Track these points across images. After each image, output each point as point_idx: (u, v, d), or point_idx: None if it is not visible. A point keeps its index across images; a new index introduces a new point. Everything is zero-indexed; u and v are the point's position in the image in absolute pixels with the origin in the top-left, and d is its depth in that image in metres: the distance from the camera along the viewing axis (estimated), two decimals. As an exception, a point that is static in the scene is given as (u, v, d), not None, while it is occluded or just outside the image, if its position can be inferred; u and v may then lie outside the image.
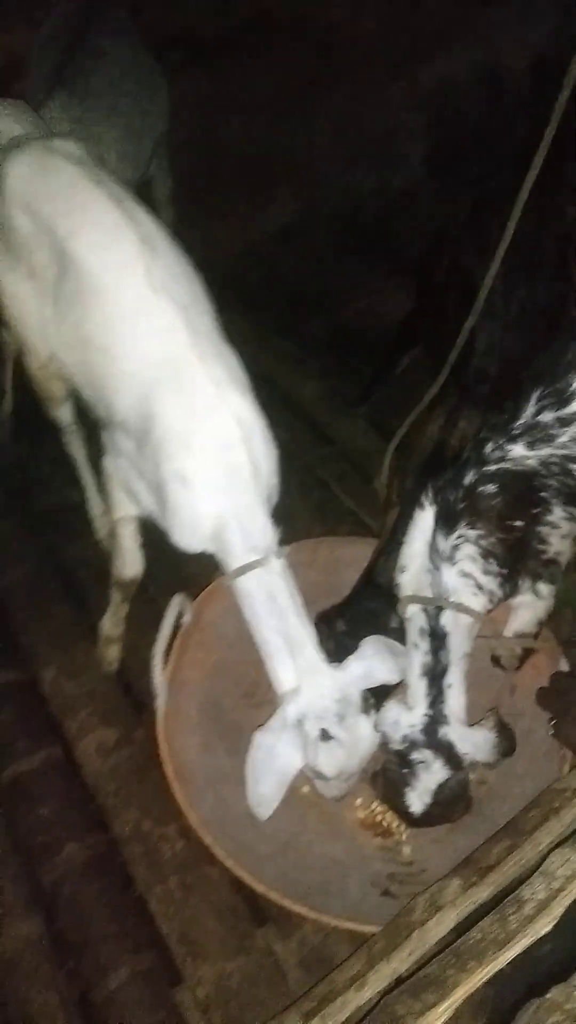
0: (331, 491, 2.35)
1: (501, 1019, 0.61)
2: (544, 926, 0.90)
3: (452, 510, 1.38)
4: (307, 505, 2.27)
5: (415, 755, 1.35)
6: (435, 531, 1.39)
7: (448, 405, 1.75)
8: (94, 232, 1.44)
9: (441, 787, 1.35)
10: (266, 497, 1.41)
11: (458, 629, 1.37)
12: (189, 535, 1.40)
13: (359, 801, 1.60)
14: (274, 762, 1.34)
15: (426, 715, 1.35)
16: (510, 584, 1.42)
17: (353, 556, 1.72)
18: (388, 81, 3.19)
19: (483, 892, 1.18)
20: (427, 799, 1.35)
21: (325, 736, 1.34)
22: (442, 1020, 0.83)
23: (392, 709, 1.37)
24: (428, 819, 1.38)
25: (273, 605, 1.35)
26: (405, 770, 1.35)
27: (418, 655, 1.37)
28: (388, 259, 2.95)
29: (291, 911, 1.38)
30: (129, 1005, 1.41)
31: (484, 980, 0.86)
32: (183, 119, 2.86)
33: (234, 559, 1.36)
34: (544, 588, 1.48)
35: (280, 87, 2.98)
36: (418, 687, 1.36)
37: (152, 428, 1.38)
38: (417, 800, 1.36)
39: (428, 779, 1.35)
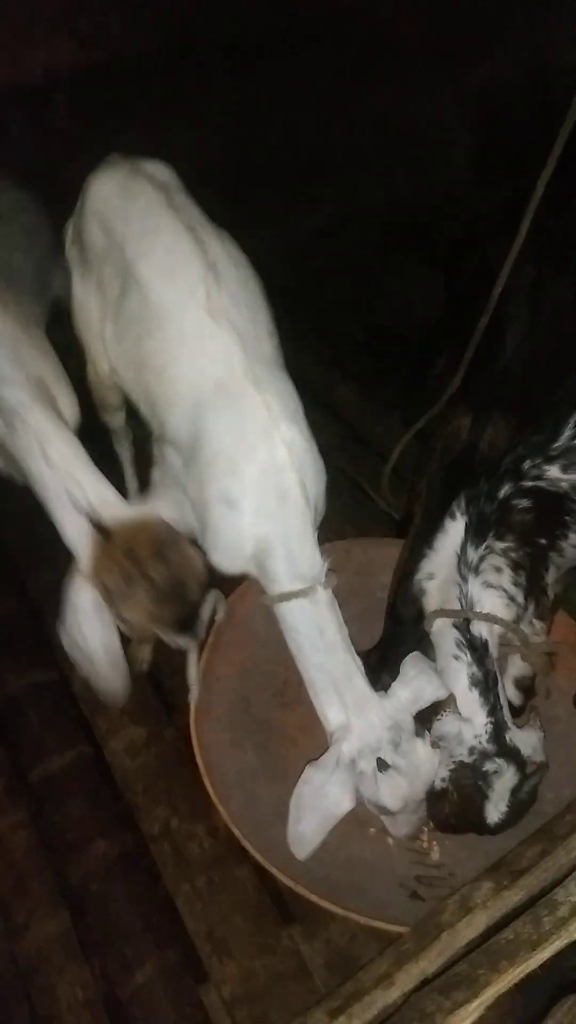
0: (365, 492, 2.35)
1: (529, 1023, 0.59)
2: (578, 928, 0.87)
3: (485, 521, 1.38)
4: (340, 507, 2.24)
5: (488, 765, 1.32)
6: (465, 542, 1.39)
7: (473, 404, 1.72)
8: (161, 256, 1.47)
9: (515, 792, 1.33)
10: (314, 525, 1.38)
11: (492, 638, 1.37)
12: (230, 557, 1.39)
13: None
14: (322, 801, 1.30)
15: (488, 723, 1.33)
16: (527, 600, 1.41)
17: (387, 558, 1.71)
18: (432, 80, 3.18)
19: (515, 896, 1.15)
20: (503, 808, 1.33)
21: (382, 766, 1.30)
22: (472, 1018, 0.81)
23: (450, 723, 1.34)
24: (503, 826, 1.35)
25: (321, 640, 1.32)
26: (480, 782, 1.32)
27: (462, 667, 1.35)
28: (426, 260, 2.94)
29: (319, 909, 1.37)
30: (154, 1002, 1.41)
31: (516, 981, 0.84)
32: (222, 123, 2.90)
33: (278, 585, 1.34)
34: (538, 624, 1.47)
35: (320, 87, 2.99)
36: (470, 698, 1.34)
37: (201, 448, 1.38)
38: (495, 810, 1.33)
39: (502, 787, 1.32)
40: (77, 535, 1.28)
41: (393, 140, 3.29)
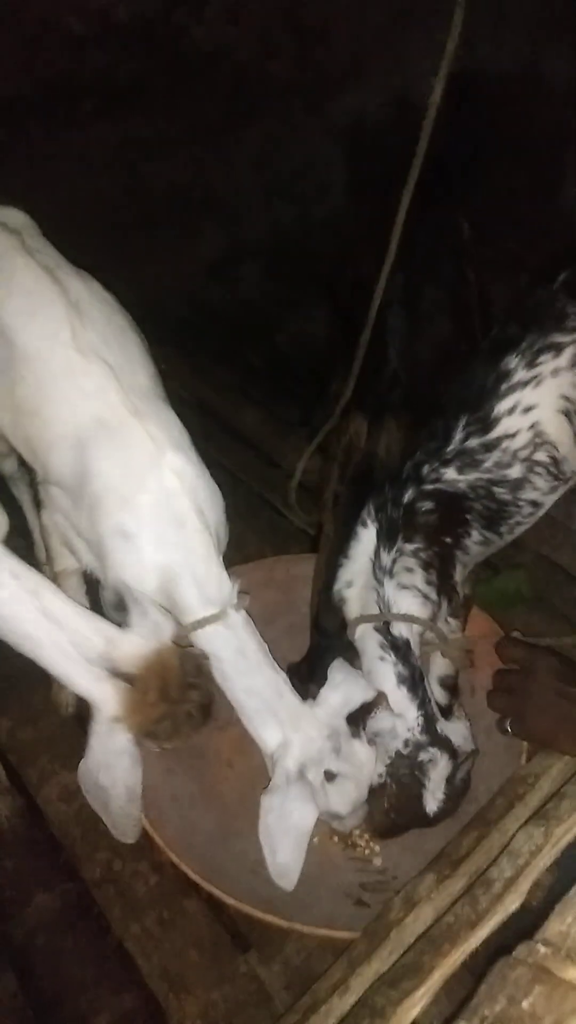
0: (280, 513, 2.38)
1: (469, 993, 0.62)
2: (513, 902, 0.91)
3: (393, 526, 1.44)
4: (257, 528, 2.29)
5: (422, 755, 1.36)
6: (378, 547, 1.44)
7: (367, 413, 1.80)
8: (21, 300, 1.46)
9: (450, 780, 1.38)
10: (217, 549, 1.39)
11: (413, 636, 1.42)
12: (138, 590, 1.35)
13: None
14: (288, 822, 1.31)
15: (420, 715, 1.37)
16: (439, 597, 1.47)
17: (308, 572, 1.74)
18: (300, 114, 3.30)
19: (457, 884, 1.18)
20: (440, 796, 1.37)
21: (330, 776, 1.32)
22: (421, 1005, 0.83)
23: (383, 719, 1.38)
24: (441, 815, 1.39)
25: (244, 662, 1.32)
26: (417, 772, 1.36)
27: (388, 667, 1.39)
28: (316, 284, 3.03)
29: (272, 932, 1.37)
30: (114, 1051, 1.37)
31: (460, 961, 0.86)
32: (103, 164, 2.93)
33: (190, 613, 1.33)
34: (453, 622, 1.53)
35: (195, 127, 3.06)
36: (400, 695, 1.38)
37: (88, 486, 1.37)
38: (432, 799, 1.37)
39: (438, 776, 1.36)
40: (94, 686, 1.22)
41: (270, 174, 3.39)
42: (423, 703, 1.38)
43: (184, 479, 1.35)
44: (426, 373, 1.81)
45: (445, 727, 1.40)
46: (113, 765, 1.25)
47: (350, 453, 1.77)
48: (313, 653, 1.59)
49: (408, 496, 1.47)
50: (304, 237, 3.31)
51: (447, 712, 1.49)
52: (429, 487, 1.48)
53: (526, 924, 0.93)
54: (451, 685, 1.53)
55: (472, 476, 1.49)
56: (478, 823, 1.29)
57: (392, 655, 1.39)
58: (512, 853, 0.96)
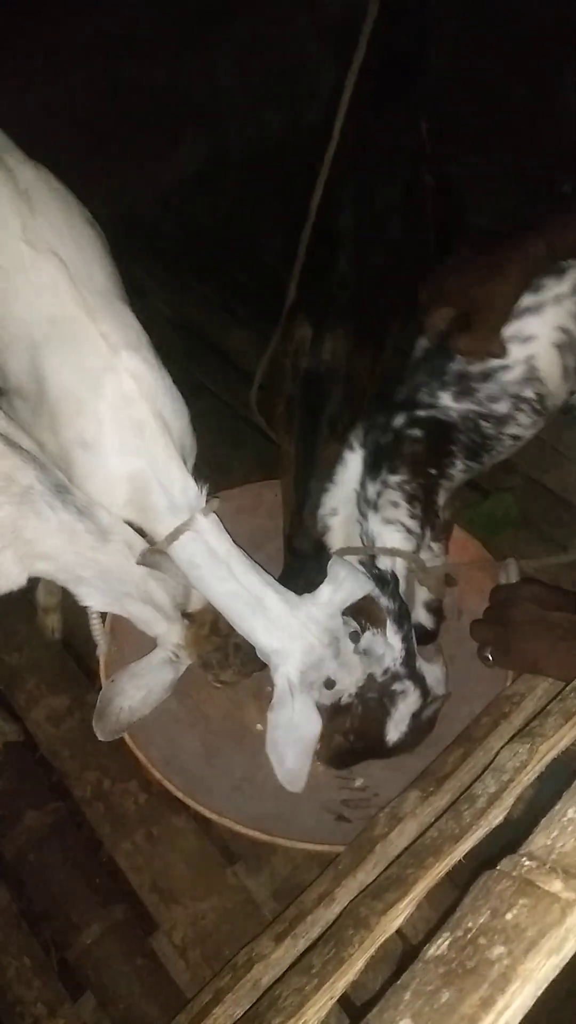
0: (267, 438, 2.33)
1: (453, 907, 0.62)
2: (496, 817, 0.92)
3: (379, 454, 1.39)
4: (243, 454, 2.25)
5: (396, 685, 1.37)
6: (364, 477, 1.39)
7: (310, 316, 1.73)
8: None
9: (416, 716, 1.39)
10: (181, 455, 1.34)
11: (399, 571, 1.40)
12: (107, 504, 1.31)
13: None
14: (295, 733, 1.29)
15: (403, 649, 1.37)
16: (422, 530, 1.43)
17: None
18: (291, 9, 3.10)
19: (441, 800, 1.20)
20: (403, 728, 1.38)
21: (329, 684, 1.33)
22: (403, 916, 0.84)
23: (379, 643, 1.37)
24: (399, 748, 1.41)
25: (219, 565, 1.27)
26: (385, 699, 1.37)
27: (382, 602, 1.38)
28: (306, 197, 2.91)
29: (259, 845, 1.40)
30: (104, 958, 1.41)
31: (443, 873, 0.88)
32: (75, 63, 2.75)
33: (162, 524, 1.29)
34: (435, 546, 1.51)
35: (174, 23, 2.87)
36: (388, 630, 1.37)
37: (45, 392, 1.31)
38: (394, 729, 1.38)
39: (405, 708, 1.37)
40: (168, 625, 1.37)
41: (256, 75, 3.20)
42: (407, 638, 1.38)
43: (141, 382, 1.28)
44: (377, 279, 1.73)
45: (422, 666, 1.40)
46: (148, 685, 1.35)
47: (297, 361, 1.72)
48: (286, 575, 1.56)
49: (398, 421, 1.40)
50: (293, 146, 3.15)
51: (433, 636, 1.50)
52: (422, 413, 1.40)
53: (506, 834, 0.94)
54: (436, 608, 1.52)
55: (464, 406, 1.42)
56: (463, 741, 1.31)
57: (379, 590, 1.37)
58: (497, 769, 0.97)
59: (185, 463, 1.34)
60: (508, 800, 0.91)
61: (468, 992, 0.51)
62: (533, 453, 2.14)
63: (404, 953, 1.31)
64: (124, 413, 1.27)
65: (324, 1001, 0.78)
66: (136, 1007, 1.37)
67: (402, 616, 1.38)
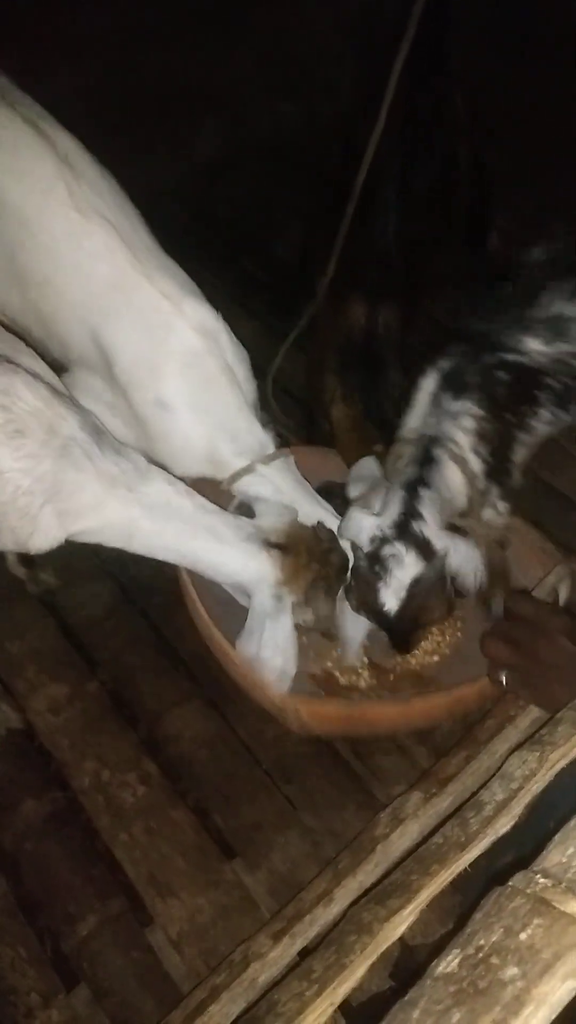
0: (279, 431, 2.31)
1: (462, 921, 0.61)
2: (504, 825, 0.90)
3: (461, 379, 1.32)
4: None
5: (385, 549, 1.28)
6: (439, 390, 1.32)
7: (361, 293, 1.76)
8: (6, 157, 1.33)
9: (416, 581, 1.29)
10: (250, 401, 1.37)
11: (451, 472, 1.30)
12: (187, 460, 1.35)
13: (312, 655, 1.58)
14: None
15: (400, 515, 1.29)
16: (488, 482, 1.36)
17: (332, 467, 1.70)
18: (312, 4, 3.06)
19: (444, 802, 1.19)
20: (402, 594, 1.29)
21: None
22: (407, 923, 0.83)
23: (356, 518, 1.31)
24: (408, 619, 1.32)
25: (288, 497, 1.33)
26: (376, 566, 1.29)
27: (404, 474, 1.30)
28: (321, 191, 2.88)
29: (259, 842, 1.41)
30: (101, 951, 1.40)
31: (447, 882, 0.87)
32: (95, 54, 2.72)
33: (227, 467, 1.32)
34: (501, 505, 1.42)
35: (195, 14, 2.84)
36: (394, 496, 1.30)
37: (115, 360, 1.31)
38: (392, 596, 1.29)
39: (402, 573, 1.28)
40: (254, 560, 1.27)
41: (275, 69, 3.16)
42: (410, 504, 1.27)
43: (207, 334, 1.31)
44: (417, 252, 1.76)
45: (431, 531, 1.28)
46: (276, 639, 1.27)
47: (351, 336, 1.72)
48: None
49: (487, 360, 1.32)
50: (309, 139, 3.12)
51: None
52: (509, 356, 1.32)
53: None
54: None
55: (559, 348, 1.33)
56: (467, 743, 1.29)
57: (414, 467, 1.29)
58: (505, 776, 0.95)
59: (252, 408, 1.37)
60: (516, 809, 0.90)
61: (480, 1014, 0.50)
62: (542, 453, 2.12)
63: (401, 955, 1.30)
64: (195, 370, 1.29)
65: (324, 1007, 0.77)
66: (131, 1000, 1.36)
67: (416, 486, 1.28)
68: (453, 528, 1.35)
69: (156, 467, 1.26)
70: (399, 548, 1.28)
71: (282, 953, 1.12)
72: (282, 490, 1.32)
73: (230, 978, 1.11)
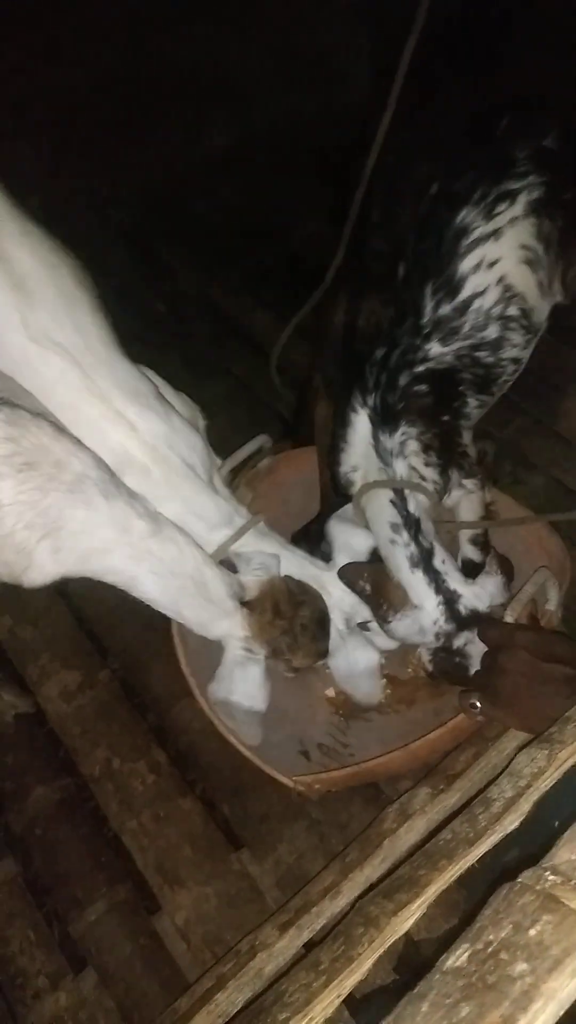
0: (286, 421, 2.31)
1: (469, 916, 0.61)
2: (512, 822, 0.91)
3: (390, 411, 1.42)
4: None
5: (456, 642, 1.36)
6: (375, 432, 1.43)
7: (348, 287, 1.79)
8: None
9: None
10: (209, 479, 1.45)
11: (424, 513, 1.40)
12: None
13: (330, 690, 1.63)
14: (357, 668, 1.41)
15: (440, 604, 1.35)
16: (444, 477, 1.47)
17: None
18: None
19: (451, 798, 1.20)
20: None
21: (363, 626, 1.45)
22: (415, 917, 0.84)
23: (404, 620, 1.37)
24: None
25: (268, 556, 1.40)
26: (458, 659, 1.37)
27: (400, 550, 1.37)
28: (335, 180, 2.87)
29: (266, 833, 1.45)
30: (108, 936, 1.42)
31: (455, 878, 0.87)
32: (106, 40, 2.72)
33: (207, 545, 1.38)
34: (468, 482, 1.54)
35: (207, 1, 2.83)
36: (415, 581, 1.36)
37: None
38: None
39: (478, 650, 1.34)
40: (228, 618, 1.34)
41: (288, 58, 3.15)
42: (439, 586, 1.36)
43: (157, 438, 1.38)
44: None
45: (467, 600, 1.36)
46: (245, 686, 1.35)
47: (336, 332, 1.76)
48: (323, 516, 1.62)
49: (403, 381, 1.45)
50: (323, 129, 3.10)
51: (480, 568, 1.48)
52: (421, 369, 1.46)
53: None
54: (482, 542, 1.55)
55: (455, 345, 1.48)
56: (475, 740, 1.30)
57: (402, 535, 1.37)
58: (513, 774, 0.95)
59: (212, 487, 1.44)
60: (524, 806, 0.90)
61: (489, 1008, 0.50)
62: (555, 451, 2.12)
63: (405, 949, 1.31)
64: (151, 474, 1.37)
65: (332, 999, 0.78)
66: (136, 985, 1.38)
67: (428, 562, 1.36)
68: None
69: (164, 516, 1.27)
70: (466, 635, 1.36)
71: (288, 944, 1.14)
72: (266, 547, 1.41)
73: (237, 967, 1.12)
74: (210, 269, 2.82)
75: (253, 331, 2.57)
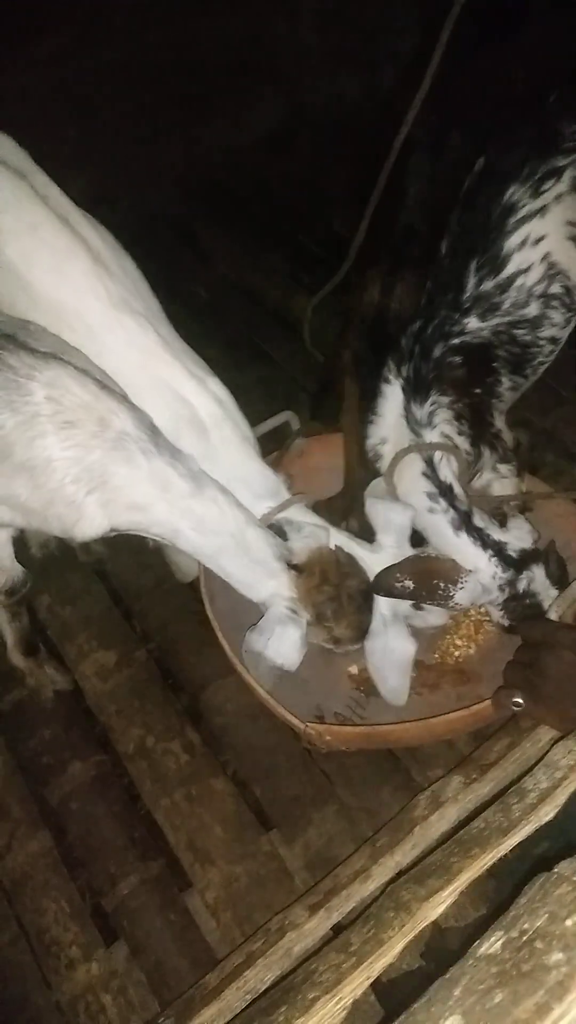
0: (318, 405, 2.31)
1: (503, 904, 0.61)
2: (547, 814, 0.90)
3: (423, 381, 1.43)
4: (301, 422, 2.23)
5: (520, 586, 1.38)
6: (407, 402, 1.44)
7: (381, 266, 1.78)
8: (48, 257, 1.42)
9: (551, 576, 1.40)
10: (257, 452, 1.49)
11: (455, 479, 1.41)
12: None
13: (353, 667, 1.63)
14: (391, 657, 1.41)
15: (491, 558, 1.38)
16: (476, 450, 1.48)
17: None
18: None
19: (484, 788, 1.19)
20: (554, 592, 1.40)
21: (418, 607, 1.44)
22: (446, 904, 0.84)
23: (465, 589, 1.38)
24: (565, 585, 1.42)
25: (314, 529, 1.41)
26: (528, 600, 1.39)
27: (441, 517, 1.39)
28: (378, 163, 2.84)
29: (296, 815, 1.46)
30: (140, 910, 1.45)
31: (488, 866, 0.87)
32: (153, 20, 2.71)
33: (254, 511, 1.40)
34: (504, 467, 1.54)
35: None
36: (462, 544, 1.38)
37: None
38: (551, 599, 1.40)
39: (543, 585, 1.39)
40: (275, 578, 1.34)
41: (336, 37, 3.10)
42: (484, 541, 1.38)
43: (223, 402, 1.44)
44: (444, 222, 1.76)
45: (511, 544, 1.40)
46: (280, 643, 1.33)
47: (366, 310, 1.76)
48: (347, 491, 1.64)
49: (437, 351, 1.46)
50: (369, 110, 3.06)
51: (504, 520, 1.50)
52: (456, 341, 1.47)
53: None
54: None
55: (493, 321, 1.49)
56: (510, 730, 1.29)
57: (440, 503, 1.39)
58: (549, 765, 0.95)
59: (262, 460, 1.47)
60: (561, 797, 0.90)
61: (523, 996, 0.50)
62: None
63: (433, 936, 1.31)
64: (213, 433, 1.42)
65: (361, 980, 0.79)
66: (167, 959, 1.40)
67: (470, 522, 1.38)
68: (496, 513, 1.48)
69: (208, 475, 1.29)
70: (525, 574, 1.38)
71: (317, 925, 1.14)
72: (308, 519, 1.42)
73: (266, 946, 1.13)
74: (251, 253, 2.81)
75: (293, 316, 2.56)
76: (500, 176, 1.49)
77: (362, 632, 1.41)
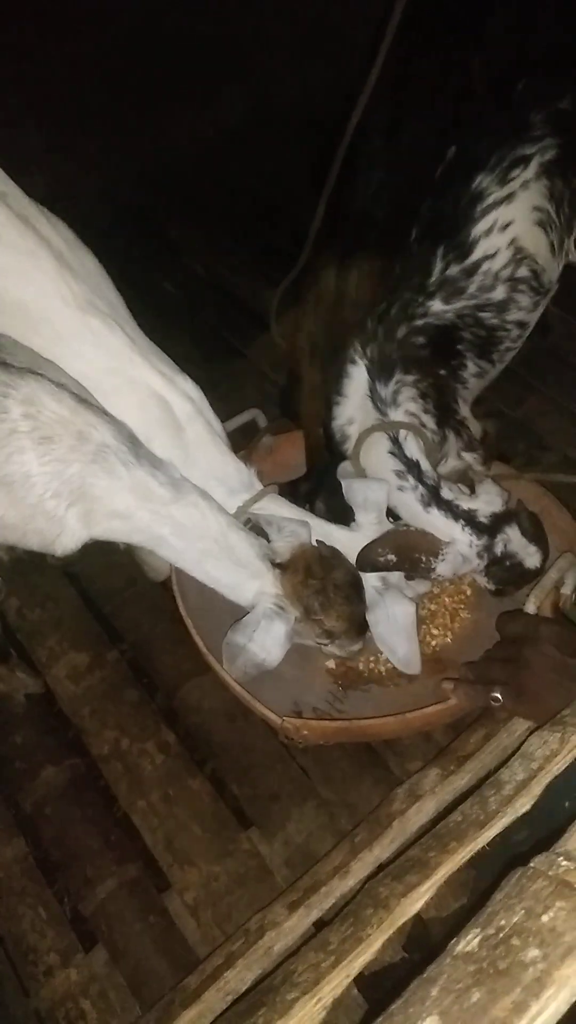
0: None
1: (480, 899, 0.61)
2: (524, 805, 0.90)
3: (388, 360, 1.45)
4: (272, 418, 2.21)
5: (497, 548, 1.39)
6: (372, 382, 1.45)
7: (337, 254, 1.80)
8: (10, 258, 1.39)
9: (526, 534, 1.41)
10: (229, 447, 1.48)
11: (421, 455, 1.42)
12: None
13: (330, 662, 1.62)
14: (396, 623, 1.41)
15: (464, 527, 1.39)
16: (441, 431, 1.49)
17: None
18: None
19: (461, 780, 1.19)
20: (532, 550, 1.41)
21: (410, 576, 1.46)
22: (424, 899, 0.83)
23: (446, 560, 1.39)
24: (546, 557, 1.44)
25: (290, 522, 1.40)
26: (508, 562, 1.40)
27: (410, 494, 1.40)
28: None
29: (274, 812, 1.44)
30: (118, 913, 1.43)
31: (465, 860, 0.87)
32: (115, 9, 2.67)
33: (228, 508, 1.39)
34: (469, 455, 1.55)
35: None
36: (433, 519, 1.39)
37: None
38: (531, 559, 1.41)
39: (519, 544, 1.40)
40: (259, 579, 1.34)
41: (303, 28, 3.08)
42: (455, 512, 1.39)
43: (193, 400, 1.43)
44: (403, 213, 1.75)
45: (482, 509, 1.41)
46: (264, 638, 1.32)
47: (323, 297, 1.77)
48: (313, 473, 1.65)
49: (401, 332, 1.48)
50: (335, 104, 3.05)
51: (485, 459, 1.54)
52: (419, 323, 1.49)
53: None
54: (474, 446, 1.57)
55: (458, 304, 1.51)
56: (486, 721, 1.29)
57: (408, 480, 1.40)
58: (525, 756, 0.95)
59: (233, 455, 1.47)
60: (536, 789, 0.90)
61: (500, 994, 0.50)
62: (571, 431, 2.09)
63: (415, 927, 1.31)
64: (185, 431, 1.41)
65: (340, 979, 0.78)
66: (147, 962, 1.39)
67: (439, 496, 1.40)
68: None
69: (189, 482, 1.29)
70: (499, 536, 1.39)
71: (297, 923, 1.14)
72: (286, 512, 1.42)
73: (246, 946, 1.12)
74: (218, 247, 2.79)
75: (261, 310, 2.54)
76: (469, 164, 1.51)
77: (355, 624, 1.40)
